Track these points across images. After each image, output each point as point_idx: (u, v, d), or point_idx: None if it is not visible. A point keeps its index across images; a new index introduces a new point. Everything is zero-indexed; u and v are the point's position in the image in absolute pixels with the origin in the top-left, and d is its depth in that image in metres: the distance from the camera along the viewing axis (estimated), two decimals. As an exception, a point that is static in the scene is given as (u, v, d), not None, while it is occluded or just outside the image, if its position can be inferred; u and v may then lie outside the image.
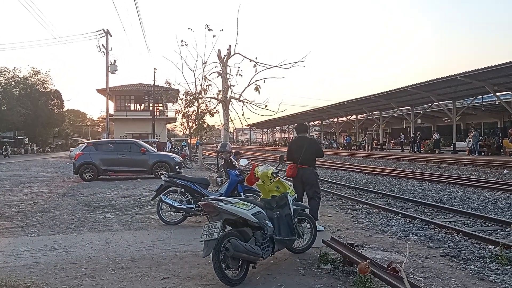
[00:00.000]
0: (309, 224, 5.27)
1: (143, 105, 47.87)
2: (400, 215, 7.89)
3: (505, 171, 17.11)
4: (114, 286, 4.03)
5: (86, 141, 34.34)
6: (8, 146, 43.29)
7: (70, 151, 36.79)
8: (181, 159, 18.05)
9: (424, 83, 26.93)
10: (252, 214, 4.24)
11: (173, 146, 29.38)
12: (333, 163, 23.78)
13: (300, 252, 5.07)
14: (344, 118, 48.37)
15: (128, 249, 5.41)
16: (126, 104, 47.02)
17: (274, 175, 4.92)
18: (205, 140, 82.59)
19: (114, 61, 33.22)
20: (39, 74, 56.56)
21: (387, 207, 8.67)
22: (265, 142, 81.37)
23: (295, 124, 7.43)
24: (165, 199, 7.00)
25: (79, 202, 9.68)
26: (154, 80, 39.20)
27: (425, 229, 6.81)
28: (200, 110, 19.07)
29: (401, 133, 37.10)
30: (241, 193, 6.96)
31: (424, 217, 7.67)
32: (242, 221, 4.24)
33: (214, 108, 15.52)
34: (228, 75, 12.43)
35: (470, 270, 4.64)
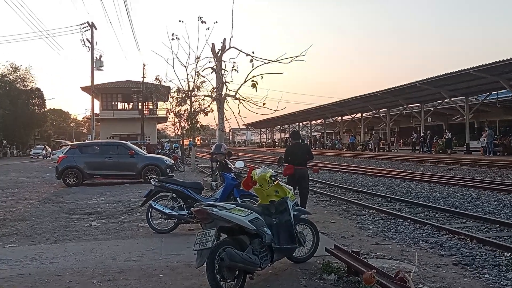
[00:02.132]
0: (311, 231, 5.27)
1: (131, 104, 47.89)
2: (409, 220, 7.91)
3: (522, 172, 17.17)
4: (100, 300, 4.02)
5: (70, 143, 34.26)
6: (-16, 150, 43.21)
7: (51, 154, 36.70)
8: (173, 162, 18.04)
9: (435, 78, 27.00)
10: (249, 221, 4.24)
11: (172, 148, 29.19)
12: (337, 165, 23.81)
13: (302, 261, 5.07)
14: (349, 117, 48.49)
15: (116, 259, 5.40)
16: (113, 103, 47.03)
17: (273, 178, 4.92)
18: (198, 143, 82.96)
19: (100, 56, 33.24)
20: (19, 70, 56.52)
21: (395, 212, 8.68)
22: (263, 143, 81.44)
23: (291, 132, 9.71)
24: (155, 205, 7.00)
25: (62, 209, 9.66)
26: (143, 77, 39.27)
27: (436, 235, 6.82)
28: (193, 109, 19.14)
29: (413, 132, 37.17)
30: (238, 198, 6.97)
31: (435, 222, 7.68)
32: (238, 229, 4.24)
33: (208, 106, 15.56)
34: (223, 71, 12.43)
35: (485, 279, 4.65)
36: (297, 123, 66.14)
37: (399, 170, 18.92)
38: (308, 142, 56.10)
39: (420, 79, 28.49)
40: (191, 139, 27.49)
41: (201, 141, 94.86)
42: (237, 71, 12.08)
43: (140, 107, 42.29)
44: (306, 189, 8.25)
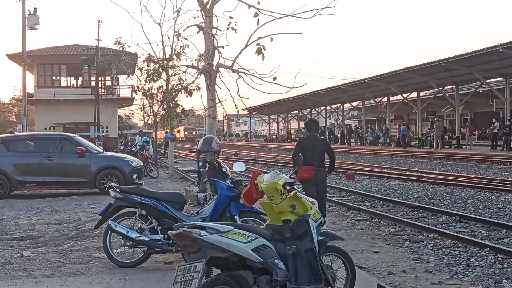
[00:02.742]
0: (343, 265, 5.28)
1: (80, 78, 47.88)
2: (487, 249, 7.88)
3: None
4: None
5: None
6: None
7: None
8: (141, 163, 18.06)
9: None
10: (252, 249, 4.24)
11: (148, 143, 29.00)
12: (382, 168, 23.74)
13: (330, 309, 5.08)
14: (399, 97, 48.30)
15: (59, 306, 5.43)
16: (54, 78, 47.04)
17: (288, 187, 4.91)
18: (180, 136, 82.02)
19: (35, 9, 33.46)
20: None
21: (467, 237, 8.63)
22: (273, 136, 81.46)
23: (306, 121, 10.35)
24: (116, 226, 7.00)
25: (-20, 233, 9.69)
26: (98, 39, 39.30)
27: (527, 271, 6.80)
28: (170, 86, 19.13)
29: (494, 119, 36.97)
30: (236, 217, 6.97)
31: (526, 252, 7.65)
32: (237, 261, 4.24)
33: (193, 82, 15.50)
34: (214, 30, 12.39)
35: None
36: (323, 107, 66.06)
37: (472, 176, 18.83)
38: (340, 134, 56.16)
39: (503, 41, 28.24)
40: (168, 130, 27.49)
41: (187, 133, 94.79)
42: (236, 30, 12.03)
43: (93, 83, 42.34)
44: (324, 198, 8.69)
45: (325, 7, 11.44)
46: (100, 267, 7.06)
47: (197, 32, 13.06)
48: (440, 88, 41.96)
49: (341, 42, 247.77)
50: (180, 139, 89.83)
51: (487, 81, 36.75)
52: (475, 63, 33.25)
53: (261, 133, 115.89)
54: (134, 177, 15.79)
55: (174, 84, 18.83)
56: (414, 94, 46.56)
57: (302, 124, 75.40)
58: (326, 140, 9.81)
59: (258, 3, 11.43)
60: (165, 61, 18.31)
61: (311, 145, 9.03)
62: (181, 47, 17.68)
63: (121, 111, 60.18)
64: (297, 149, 9.03)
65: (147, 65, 19.42)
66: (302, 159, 5.79)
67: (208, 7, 12.41)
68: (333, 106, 63.86)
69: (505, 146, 32.92)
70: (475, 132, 44.45)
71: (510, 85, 35.21)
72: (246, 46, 11.71)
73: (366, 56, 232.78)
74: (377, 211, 11.67)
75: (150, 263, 7.09)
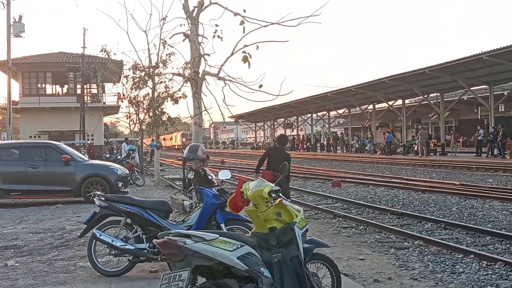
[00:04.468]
0: (329, 272, 5.29)
1: (66, 86, 47.70)
2: (472, 256, 7.93)
3: None
4: None
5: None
6: None
7: None
8: (127, 171, 18.00)
9: (508, 48, 27.00)
10: (238, 258, 4.24)
11: (134, 150, 28.81)
12: (368, 175, 23.84)
13: (315, 317, 5.08)
14: (384, 105, 48.59)
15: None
16: (39, 86, 46.81)
17: (273, 195, 4.92)
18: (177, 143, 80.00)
19: (20, 17, 33.16)
20: None
21: (452, 244, 8.69)
22: (260, 144, 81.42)
23: (278, 135, 12.53)
24: (101, 235, 6.97)
25: (-37, 242, 9.58)
26: (84, 47, 39.12)
27: None
28: (156, 94, 19.11)
29: (478, 127, 37.27)
30: (222, 225, 6.97)
31: (510, 258, 7.70)
32: (222, 269, 4.23)
33: (179, 90, 15.51)
34: (200, 38, 12.41)
35: None
36: (309, 114, 66.24)
37: (457, 183, 18.98)
38: (326, 141, 56.43)
39: (487, 49, 28.57)
40: (154, 138, 27.41)
41: (185, 139, 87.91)
42: (221, 38, 12.05)
43: (79, 91, 42.15)
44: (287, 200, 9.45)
45: (311, 15, 11.52)
46: (85, 276, 7.02)
47: (183, 40, 13.09)
48: (425, 96, 42.27)
49: (328, 49, 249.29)
50: (177, 147, 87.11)
51: (471, 88, 37.11)
52: (459, 70, 33.59)
53: (247, 140, 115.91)
54: (119, 185, 15.74)
55: (160, 92, 18.84)
56: (400, 101, 46.90)
57: (288, 132, 75.73)
58: (289, 155, 11.54)
59: (244, 11, 11.52)
60: (151, 69, 18.31)
61: (277, 154, 10.94)
62: (167, 54, 17.67)
63: (107, 119, 60.05)
64: (264, 156, 11.41)
65: (133, 73, 19.39)
66: (288, 167, 5.81)
67: (194, 15, 12.44)
68: (319, 114, 64.08)
69: (490, 153, 33.15)
70: (460, 139, 44.74)
71: (494, 93, 35.62)
72: (232, 54, 11.75)
73: (354, 63, 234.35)
74: (362, 218, 11.70)
75: (135, 272, 7.06)
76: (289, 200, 9.27)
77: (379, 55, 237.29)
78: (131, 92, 20.78)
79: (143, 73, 18.63)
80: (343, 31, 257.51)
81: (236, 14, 11.56)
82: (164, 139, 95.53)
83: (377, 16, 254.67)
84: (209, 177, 7.41)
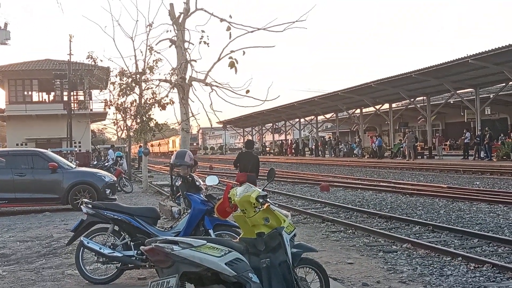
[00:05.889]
0: (317, 277, 5.29)
1: (52, 93, 47.42)
2: (460, 258, 7.97)
3: None
4: None
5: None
6: None
7: None
8: (115, 178, 17.92)
9: (493, 52, 27.30)
10: (226, 263, 4.24)
11: (122, 157, 28.65)
12: (356, 179, 23.92)
13: (305, 322, 5.08)
14: (372, 109, 48.79)
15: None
16: (25, 93, 46.48)
17: (261, 200, 4.92)
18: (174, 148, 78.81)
19: (5, 24, 33.05)
20: None
21: (440, 247, 8.74)
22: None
23: (245, 141, 13.61)
24: (88, 243, 6.94)
25: (-51, 252, 9.49)
26: (70, 54, 38.91)
27: (499, 279, 6.89)
28: (143, 100, 19.04)
29: (464, 130, 37.52)
30: (210, 231, 6.96)
31: (497, 260, 7.76)
32: (211, 275, 4.22)
33: (166, 96, 15.49)
34: (186, 44, 12.41)
35: None
36: (297, 119, 66.42)
37: (444, 186, 19.10)
38: (315, 145, 56.60)
39: (472, 53, 28.79)
40: (142, 144, 27.33)
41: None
42: (208, 44, 12.07)
43: (66, 98, 41.91)
44: None
45: (296, 21, 11.57)
46: (73, 284, 6.98)
47: (170, 46, 13.08)
48: (412, 100, 42.56)
49: (314, 54, 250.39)
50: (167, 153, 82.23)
51: (457, 92, 37.34)
52: (445, 74, 33.79)
53: (236, 146, 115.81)
54: (107, 192, 15.66)
55: (147, 98, 18.75)
56: (387, 105, 47.09)
57: (277, 137, 75.90)
58: (257, 156, 13.80)
59: (230, 17, 11.54)
60: (138, 75, 18.24)
61: (247, 158, 12.79)
62: (154, 61, 17.59)
63: (94, 126, 59.69)
64: (237, 160, 13.05)
65: (120, 79, 19.29)
66: (274, 171, 5.82)
67: (180, 21, 12.44)
68: (307, 118, 64.28)
69: (476, 156, 33.35)
70: (447, 143, 44.97)
71: (480, 96, 35.92)
72: (219, 59, 11.76)
73: (341, 68, 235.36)
74: (351, 222, 11.74)
75: (123, 279, 7.03)
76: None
77: (367, 59, 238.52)
78: (118, 99, 20.67)
79: (130, 79, 18.57)
80: (329, 36, 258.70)
81: (222, 20, 11.58)
82: (159, 145, 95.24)
83: (366, 20, 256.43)
84: (197, 183, 7.40)
